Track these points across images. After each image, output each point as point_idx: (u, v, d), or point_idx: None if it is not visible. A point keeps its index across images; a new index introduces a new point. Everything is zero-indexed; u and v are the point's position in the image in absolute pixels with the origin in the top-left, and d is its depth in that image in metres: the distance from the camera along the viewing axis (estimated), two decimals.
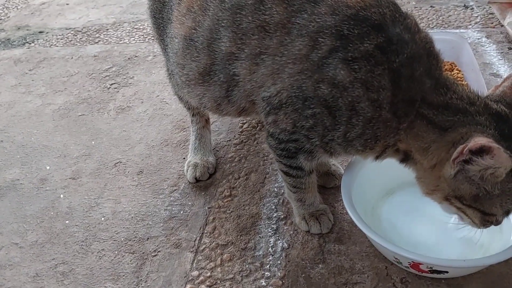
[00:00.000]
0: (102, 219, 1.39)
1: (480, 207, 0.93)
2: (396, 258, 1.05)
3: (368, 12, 0.96)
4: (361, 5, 0.97)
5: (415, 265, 1.01)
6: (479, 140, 0.83)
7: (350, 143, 1.02)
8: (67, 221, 1.40)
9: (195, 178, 1.44)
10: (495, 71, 1.73)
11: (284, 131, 1.07)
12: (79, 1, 2.89)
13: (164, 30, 1.26)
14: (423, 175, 1.00)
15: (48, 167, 1.61)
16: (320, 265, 1.16)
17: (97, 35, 2.42)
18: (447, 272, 1.01)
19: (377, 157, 1.06)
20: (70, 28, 2.53)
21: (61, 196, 1.50)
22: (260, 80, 1.06)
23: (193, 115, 1.48)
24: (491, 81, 1.67)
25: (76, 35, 2.44)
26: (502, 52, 1.82)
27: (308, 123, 1.02)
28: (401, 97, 0.95)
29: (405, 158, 1.02)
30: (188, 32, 1.14)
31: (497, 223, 0.97)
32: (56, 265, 1.28)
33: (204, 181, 1.45)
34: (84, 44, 2.35)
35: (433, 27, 2.04)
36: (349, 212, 1.08)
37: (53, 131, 1.78)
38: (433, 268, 0.99)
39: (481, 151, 0.83)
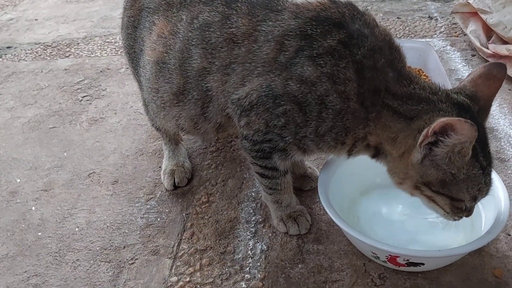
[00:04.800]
0: (76, 229, 1.36)
1: (448, 193, 0.96)
2: (373, 253, 1.07)
3: (328, 12, 1.03)
4: (320, 7, 1.05)
5: (392, 258, 1.03)
6: (442, 119, 0.87)
7: (322, 138, 1.04)
8: (39, 233, 1.36)
9: (173, 185, 1.43)
10: (460, 76, 1.80)
11: (258, 132, 1.09)
12: (48, 16, 2.85)
13: (137, 63, 1.30)
14: (393, 166, 1.03)
15: (18, 180, 1.57)
16: (299, 265, 1.17)
17: (67, 49, 2.39)
18: (423, 264, 1.03)
19: (349, 153, 1.08)
20: (39, 43, 2.49)
21: (33, 208, 1.45)
22: (231, 89, 1.10)
23: (168, 140, 1.49)
24: (456, 85, 1.73)
25: (45, 50, 2.41)
26: (466, 59, 1.90)
27: (280, 121, 1.05)
28: (367, 87, 0.99)
29: (376, 154, 1.05)
30: (159, 57, 1.18)
31: (468, 212, 1.00)
32: (28, 277, 1.23)
33: (181, 188, 1.44)
34: (54, 58, 2.32)
35: (400, 37, 2.12)
36: (326, 209, 1.09)
37: (22, 144, 1.74)
38: (410, 261, 1.01)
39: (445, 130, 0.87)
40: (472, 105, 0.99)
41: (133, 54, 1.32)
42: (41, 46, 2.45)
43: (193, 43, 1.13)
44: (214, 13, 1.11)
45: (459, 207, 0.98)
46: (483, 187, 0.96)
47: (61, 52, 2.36)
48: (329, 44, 0.98)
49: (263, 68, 1.04)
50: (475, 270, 1.09)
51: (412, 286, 1.08)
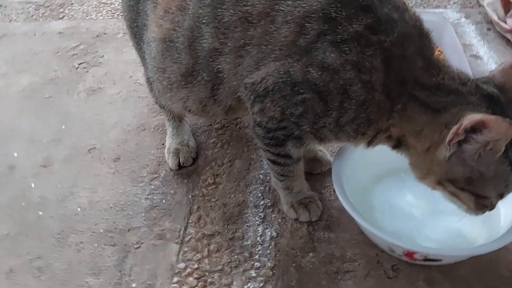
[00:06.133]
0: (78, 209, 1.32)
1: (474, 190, 0.93)
2: (389, 247, 1.04)
3: None
4: None
5: (410, 254, 1.00)
6: (474, 117, 0.82)
7: (342, 129, 0.99)
8: (40, 212, 1.32)
9: (178, 165, 1.38)
10: (475, 53, 1.73)
11: (272, 119, 1.03)
12: None
13: (141, 38, 1.20)
14: (416, 160, 0.98)
15: (16, 154, 1.51)
16: (310, 254, 1.14)
17: (61, 9, 2.25)
18: (440, 260, 1.00)
19: (368, 144, 1.03)
20: (31, 2, 2.34)
21: (32, 185, 1.40)
22: (245, 73, 1.03)
23: (172, 117, 1.42)
24: (471, 63, 1.66)
25: (38, 10, 2.27)
26: (481, 33, 1.82)
27: (298, 110, 0.99)
28: (394, 78, 0.93)
29: (397, 145, 1.01)
30: (166, 34, 1.09)
31: (492, 207, 0.97)
32: (31, 260, 1.20)
33: (186, 168, 1.39)
34: (48, 19, 2.19)
35: (412, 7, 2.01)
36: (344, 204, 1.05)
37: (18, 114, 1.66)
38: (428, 257, 0.99)
39: (478, 127, 0.82)
40: (501, 96, 0.94)
41: (136, 28, 1.23)
42: (33, 6, 2.30)
43: (203, 21, 1.04)
44: None
45: (484, 203, 0.95)
46: (511, 184, 0.92)
47: (54, 13, 2.23)
48: (355, 29, 0.91)
49: (280, 51, 0.97)
50: (490, 265, 1.08)
51: (426, 279, 1.06)
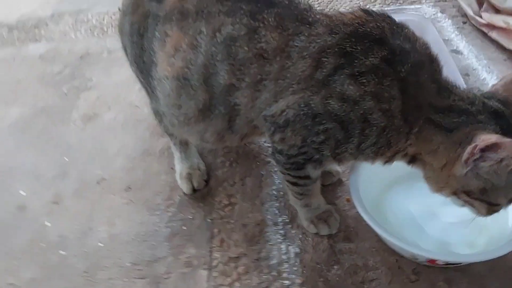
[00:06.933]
0: (100, 244, 1.33)
1: (487, 199, 1.01)
2: (413, 256, 1.12)
3: (367, 27, 1.00)
4: (358, 22, 1.01)
5: (432, 260, 1.09)
6: (489, 138, 0.89)
7: (362, 152, 1.05)
8: (62, 252, 1.32)
9: (193, 189, 1.41)
10: (455, 48, 1.82)
11: (293, 147, 1.08)
12: None
13: (148, 73, 1.20)
14: (433, 175, 1.06)
15: (23, 193, 1.49)
16: (335, 267, 1.21)
17: (36, 31, 2.20)
18: (460, 263, 1.09)
19: (385, 162, 1.10)
20: (1, 25, 2.27)
21: (47, 224, 1.40)
22: (263, 106, 1.07)
23: (179, 142, 1.43)
24: (452, 58, 1.75)
25: (11, 32, 2.21)
26: (458, 27, 1.91)
27: (319, 138, 1.04)
28: (411, 104, 0.99)
29: (412, 160, 1.08)
30: (180, 72, 1.11)
31: (499, 210, 1.06)
32: None
33: (200, 191, 1.43)
34: (24, 42, 2.14)
35: (389, 4, 2.09)
36: (368, 221, 1.11)
37: (16, 150, 1.64)
38: (449, 262, 1.08)
39: (491, 147, 0.90)
40: (505, 110, 1.01)
41: (141, 64, 1.24)
42: (5, 28, 2.24)
43: (218, 58, 1.06)
44: (238, 25, 1.05)
45: (495, 210, 1.03)
46: None
47: (30, 35, 2.17)
48: (371, 63, 0.96)
49: (298, 85, 1.01)
50: (503, 260, 1.15)
51: (446, 279, 1.15)
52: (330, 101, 0.99)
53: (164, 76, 1.15)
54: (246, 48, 1.04)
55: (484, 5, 1.85)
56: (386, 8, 2.04)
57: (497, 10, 1.81)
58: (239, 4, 1.06)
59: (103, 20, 2.21)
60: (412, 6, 2.05)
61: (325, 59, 0.98)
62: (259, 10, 1.04)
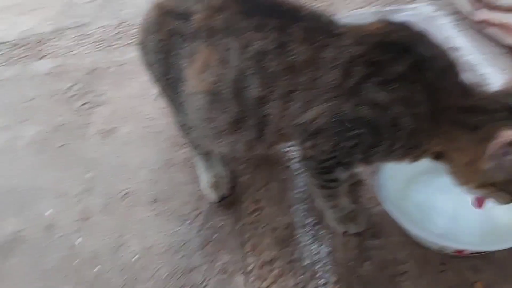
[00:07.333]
0: (135, 258, 1.36)
1: (510, 189, 1.08)
2: (441, 248, 1.18)
3: (392, 37, 1.05)
4: (382, 32, 1.06)
5: (460, 251, 1.15)
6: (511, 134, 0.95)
7: (392, 154, 1.11)
8: (97, 267, 1.36)
9: (220, 197, 1.45)
10: (454, 44, 1.89)
11: (324, 152, 1.13)
12: None
13: (175, 89, 1.24)
14: (458, 170, 1.12)
15: (48, 212, 1.52)
16: (366, 263, 1.27)
17: (39, 47, 2.21)
18: (486, 251, 1.16)
19: (412, 161, 1.16)
20: (3, 42, 2.28)
21: (78, 241, 1.43)
22: (293, 115, 1.12)
23: (202, 152, 1.47)
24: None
25: (14, 50, 2.22)
26: (455, 24, 1.99)
27: (351, 143, 1.09)
28: (437, 107, 1.05)
29: (437, 157, 1.14)
30: (211, 87, 1.15)
31: None
32: None
33: (226, 198, 1.47)
34: (29, 60, 2.15)
35: (387, 4, 2.15)
36: (399, 221, 1.17)
37: (36, 169, 1.66)
38: (475, 251, 1.14)
39: None
40: None
41: (169, 80, 1.27)
42: (7, 47, 2.24)
43: (249, 72, 1.11)
44: (268, 40, 1.09)
45: None
46: None
47: (33, 52, 2.18)
48: (399, 70, 1.01)
49: (328, 94, 1.06)
50: None
51: (471, 267, 1.22)
52: (361, 107, 1.04)
53: (194, 92, 1.19)
54: (276, 62, 1.08)
55: (478, 3, 1.92)
56: (385, 9, 2.10)
57: (491, 7, 1.88)
58: (266, 20, 1.10)
59: (107, 33, 2.22)
60: (409, 6, 2.12)
61: (354, 68, 1.03)
62: (286, 25, 1.09)
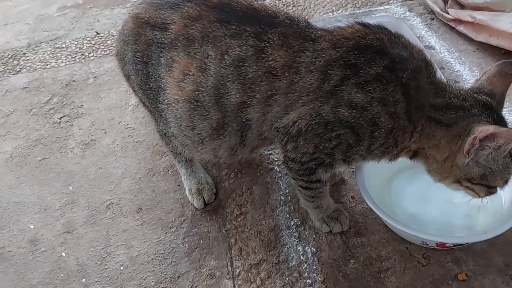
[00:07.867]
0: (121, 268, 1.36)
1: (486, 183, 1.11)
2: (423, 242, 1.21)
3: (367, 40, 1.09)
4: (358, 35, 1.09)
5: (442, 244, 1.18)
6: (487, 129, 0.99)
7: (371, 153, 1.14)
8: (83, 280, 1.35)
9: (204, 203, 1.46)
10: (427, 44, 1.94)
11: (306, 154, 1.15)
12: None
13: (156, 98, 1.25)
14: (436, 167, 1.15)
15: (32, 226, 1.50)
16: (351, 261, 1.29)
17: (15, 62, 2.19)
18: (467, 243, 1.20)
19: (391, 160, 1.19)
20: None
21: (63, 254, 1.42)
22: (274, 118, 1.14)
23: (183, 159, 1.48)
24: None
25: None
26: (427, 24, 2.04)
27: (332, 144, 1.12)
28: (414, 106, 1.08)
29: (414, 155, 1.17)
30: (191, 95, 1.16)
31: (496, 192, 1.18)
32: None
33: (211, 204, 1.48)
34: (5, 75, 2.12)
35: (360, 6, 2.20)
36: (381, 215, 1.20)
37: (17, 184, 1.64)
38: (458, 244, 1.18)
39: (489, 136, 1.00)
40: (492, 101, 1.13)
41: (148, 90, 1.28)
42: None
43: (228, 79, 1.12)
44: (245, 47, 1.11)
45: (493, 192, 1.14)
46: None
47: (9, 67, 2.16)
48: (375, 72, 1.04)
49: (308, 97, 1.09)
50: (502, 235, 1.26)
51: (453, 260, 1.25)
52: (339, 109, 1.07)
53: (174, 100, 1.20)
54: (255, 67, 1.10)
55: (450, 1, 1.98)
56: (357, 11, 2.15)
57: (462, 6, 1.94)
58: (243, 27, 1.12)
59: (82, 45, 2.21)
60: (382, 7, 2.16)
61: (332, 71, 1.06)
62: (263, 31, 1.11)
